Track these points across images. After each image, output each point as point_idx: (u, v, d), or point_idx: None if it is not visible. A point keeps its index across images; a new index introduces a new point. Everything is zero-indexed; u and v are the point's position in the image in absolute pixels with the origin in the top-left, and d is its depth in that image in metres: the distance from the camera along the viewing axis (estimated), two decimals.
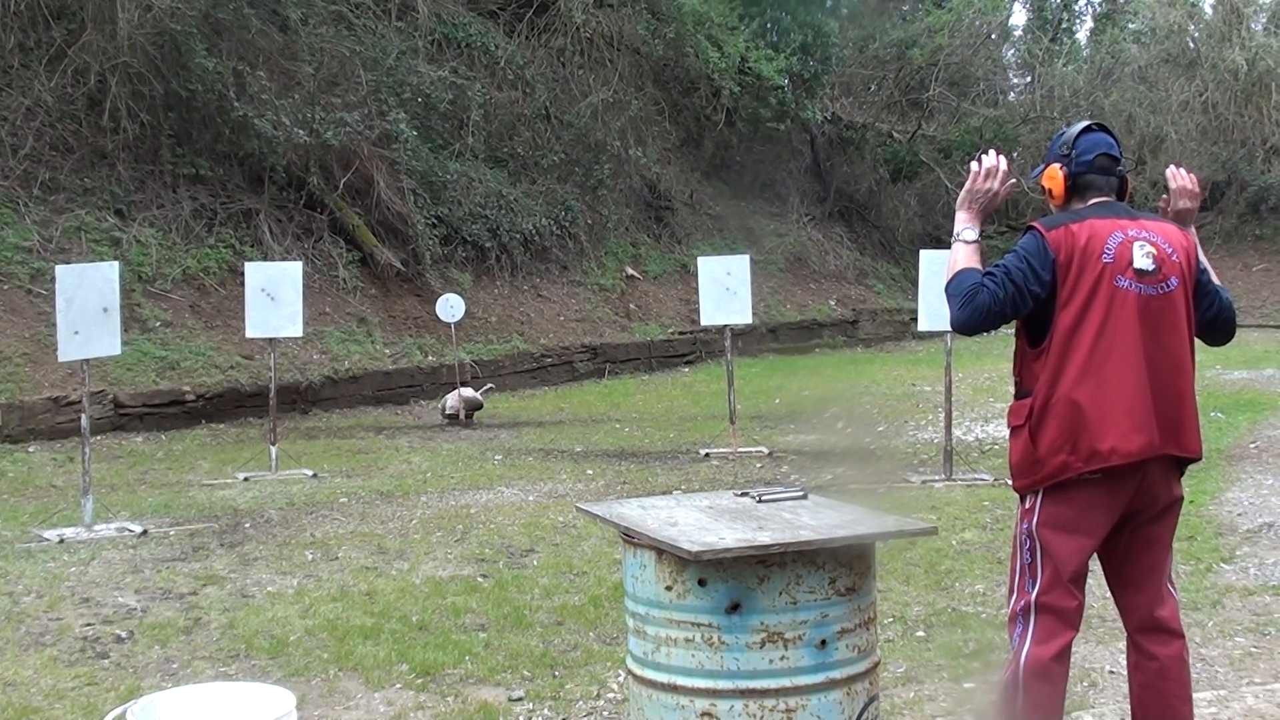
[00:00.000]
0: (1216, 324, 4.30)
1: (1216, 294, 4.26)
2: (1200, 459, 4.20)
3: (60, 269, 9.66)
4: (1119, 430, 3.96)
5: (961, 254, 4.18)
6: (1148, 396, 4.00)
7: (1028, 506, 4.10)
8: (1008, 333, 4.26)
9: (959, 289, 4.08)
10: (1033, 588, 4.06)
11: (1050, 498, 4.04)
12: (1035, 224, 4.14)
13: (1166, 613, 4.16)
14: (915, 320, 11.73)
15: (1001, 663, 4.98)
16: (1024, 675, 4.02)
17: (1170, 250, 4.10)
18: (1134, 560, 4.14)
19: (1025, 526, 4.10)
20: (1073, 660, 4.30)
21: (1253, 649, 6.10)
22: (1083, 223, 4.08)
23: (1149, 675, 4.15)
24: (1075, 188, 4.22)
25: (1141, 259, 4.05)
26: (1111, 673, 5.67)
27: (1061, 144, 4.27)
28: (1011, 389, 4.26)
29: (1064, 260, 4.03)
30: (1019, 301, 4.04)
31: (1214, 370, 17.14)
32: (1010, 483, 4.25)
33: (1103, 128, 4.29)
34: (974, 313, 4.04)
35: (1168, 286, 4.07)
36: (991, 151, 4.33)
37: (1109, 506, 4.03)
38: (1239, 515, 8.96)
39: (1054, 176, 4.23)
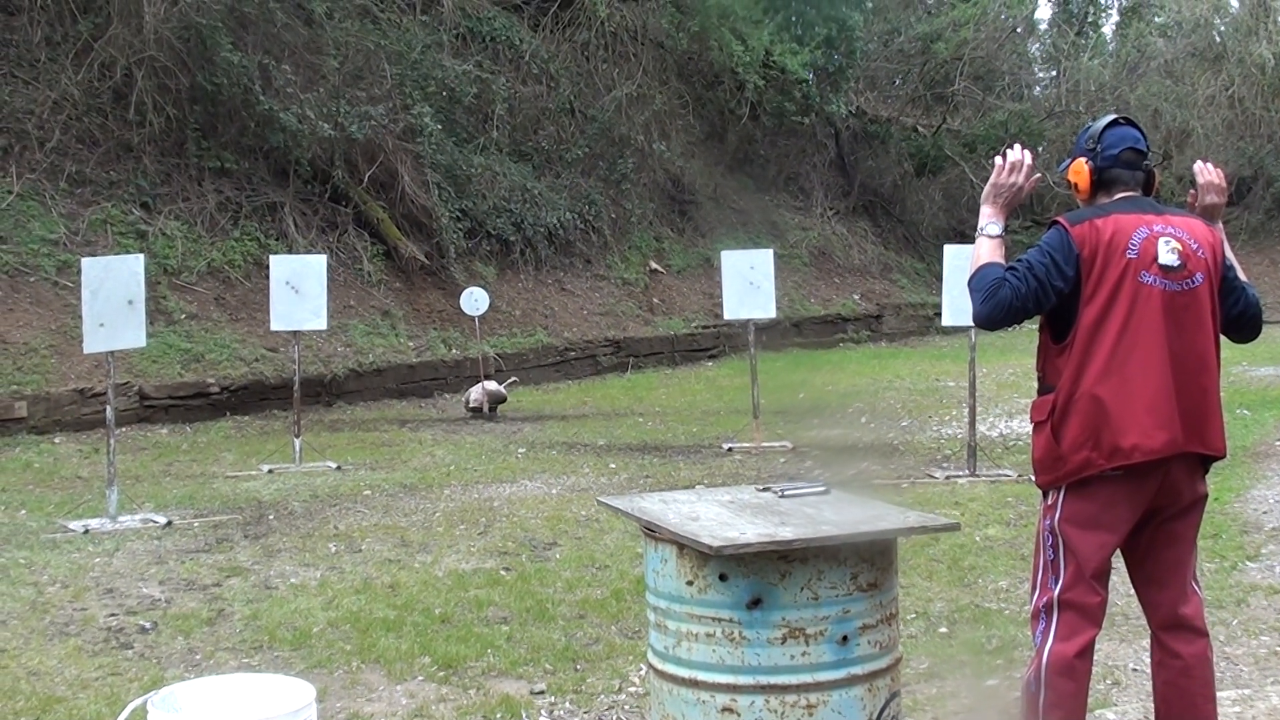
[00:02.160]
0: (1242, 320, 4.27)
1: (1243, 290, 4.23)
2: (1224, 457, 4.18)
3: (86, 261, 9.67)
4: (1141, 427, 3.93)
5: (985, 249, 4.16)
6: (1171, 393, 3.97)
7: (1050, 503, 4.08)
8: (1032, 328, 4.24)
9: (981, 283, 4.06)
10: (1055, 584, 4.05)
11: (1073, 494, 4.02)
12: (1060, 219, 4.12)
13: (1190, 610, 4.14)
14: (939, 315, 11.69)
15: (1024, 660, 4.96)
16: (1047, 672, 4.01)
17: (1196, 246, 4.07)
18: (1157, 557, 4.12)
19: (1048, 523, 4.08)
20: (1096, 658, 4.28)
21: (1278, 648, 6.06)
22: (1107, 218, 4.06)
23: (1173, 673, 4.12)
24: (1101, 182, 4.19)
25: (1166, 255, 4.02)
26: (1135, 670, 5.65)
27: (1087, 138, 4.23)
28: (1035, 384, 4.24)
29: (1088, 255, 4.00)
30: (1041, 296, 4.01)
31: (1240, 367, 17.05)
32: (1033, 479, 4.23)
33: (1129, 121, 4.25)
34: (995, 307, 4.02)
35: (1193, 282, 4.04)
36: (1016, 146, 4.31)
37: (1131, 503, 4.01)
38: (1264, 513, 8.91)
39: (1080, 171, 4.20)
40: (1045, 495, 4.12)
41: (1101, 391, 3.95)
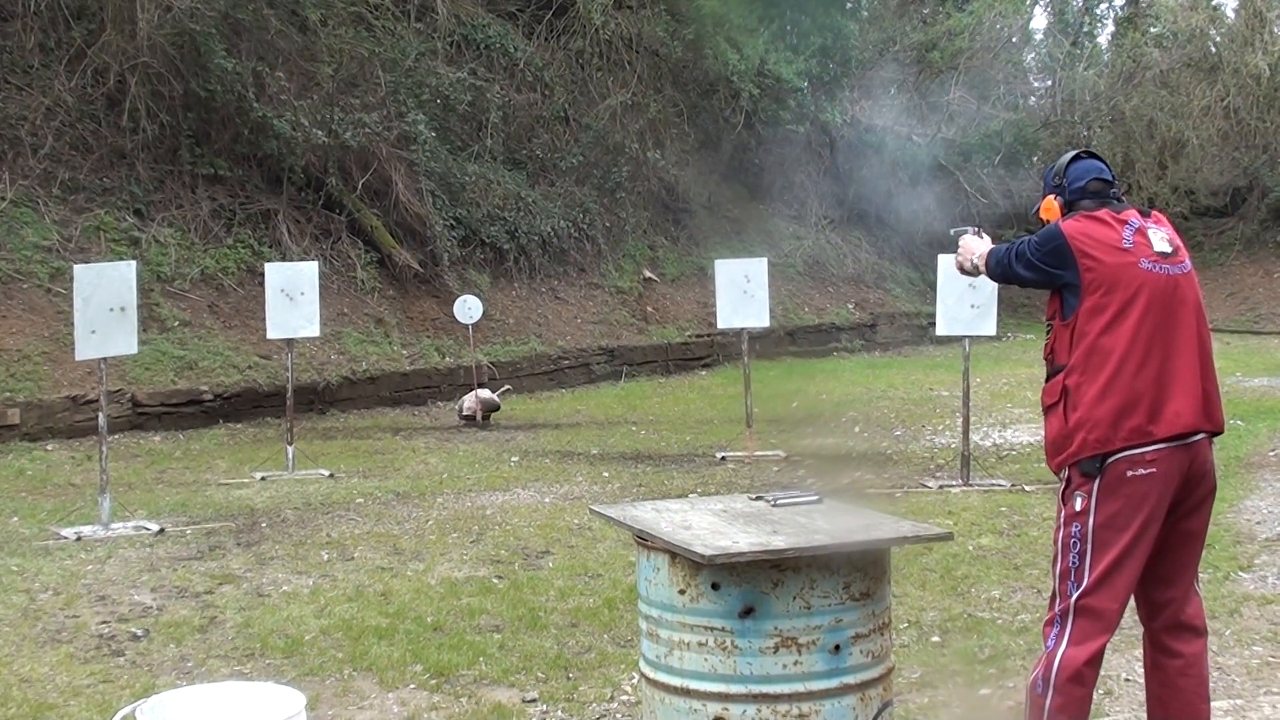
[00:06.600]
0: None
1: None
2: (1223, 431, 4.28)
3: (78, 268, 9.67)
4: (1179, 402, 4.08)
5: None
6: (1195, 371, 4.13)
7: (1080, 508, 4.07)
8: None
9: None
10: (1075, 590, 4.06)
11: (1105, 495, 4.04)
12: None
13: (1193, 610, 4.25)
14: (933, 324, 11.68)
15: (1017, 670, 4.96)
16: (1057, 677, 4.04)
17: (1177, 239, 4.29)
18: (1171, 556, 4.19)
19: (1076, 528, 4.07)
20: None
21: (1270, 658, 6.06)
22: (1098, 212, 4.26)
23: (1170, 673, 4.18)
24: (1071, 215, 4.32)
25: (1159, 243, 4.19)
26: (1127, 680, 5.65)
27: (1053, 175, 4.46)
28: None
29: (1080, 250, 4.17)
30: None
31: (1234, 377, 17.06)
32: (1046, 464, 4.30)
33: (1092, 154, 4.46)
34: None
35: (1185, 266, 4.23)
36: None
37: (1161, 498, 4.06)
38: (1258, 523, 8.91)
39: (1050, 207, 4.41)
40: (1074, 500, 4.11)
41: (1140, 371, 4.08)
